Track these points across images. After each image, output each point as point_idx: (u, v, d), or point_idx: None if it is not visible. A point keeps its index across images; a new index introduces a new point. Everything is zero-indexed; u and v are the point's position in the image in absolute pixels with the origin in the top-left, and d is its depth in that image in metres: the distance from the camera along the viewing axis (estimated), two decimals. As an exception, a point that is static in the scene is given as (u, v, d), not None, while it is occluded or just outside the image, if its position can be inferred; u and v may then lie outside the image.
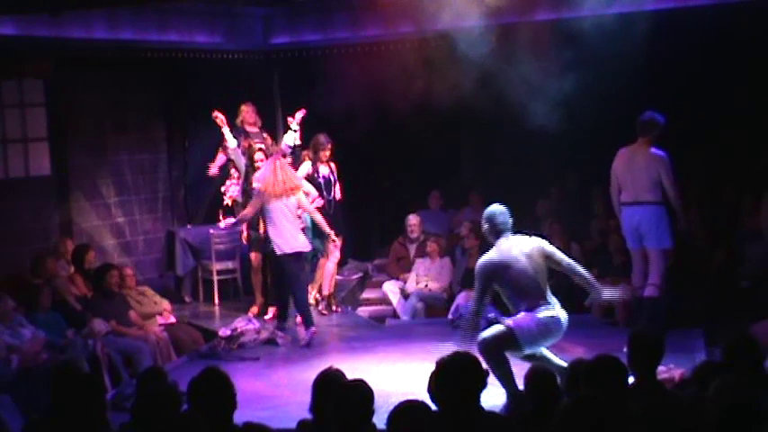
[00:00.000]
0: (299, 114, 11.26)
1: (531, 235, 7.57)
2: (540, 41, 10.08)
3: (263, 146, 11.26)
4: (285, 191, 10.19)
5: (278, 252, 10.20)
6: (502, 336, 7.21)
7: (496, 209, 7.52)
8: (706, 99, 11.32)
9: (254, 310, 11.23)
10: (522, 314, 7.27)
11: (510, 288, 7.32)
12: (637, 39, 9.55)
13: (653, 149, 9.34)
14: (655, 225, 9.32)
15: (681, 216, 9.37)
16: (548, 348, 7.48)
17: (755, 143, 11.35)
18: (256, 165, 10.99)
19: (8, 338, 8.75)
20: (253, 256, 11.40)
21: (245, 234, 11.34)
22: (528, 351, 7.31)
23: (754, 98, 11.20)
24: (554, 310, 7.31)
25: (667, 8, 10.22)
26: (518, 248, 7.35)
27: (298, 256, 10.33)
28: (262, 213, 10.37)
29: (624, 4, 10.29)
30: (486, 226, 7.55)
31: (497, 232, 7.44)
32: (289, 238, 10.21)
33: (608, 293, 7.71)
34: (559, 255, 7.47)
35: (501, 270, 7.29)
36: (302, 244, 10.35)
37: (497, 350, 7.15)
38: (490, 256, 7.38)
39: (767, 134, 11.30)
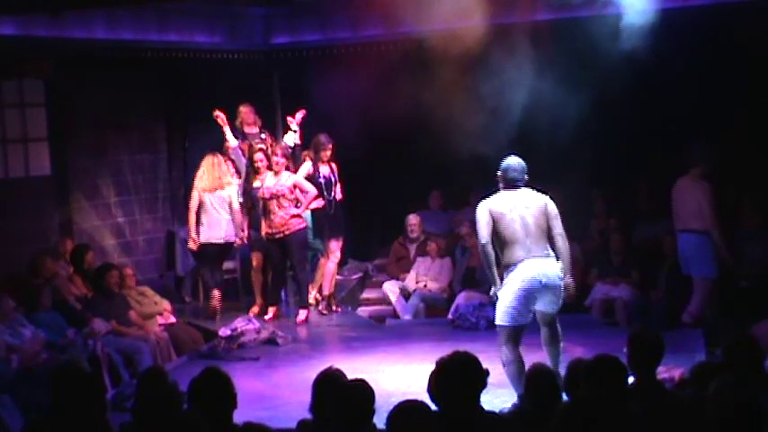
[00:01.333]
0: (299, 114, 11.30)
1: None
2: (539, 41, 10.07)
3: (263, 146, 11.28)
4: (220, 185, 11.26)
5: (201, 239, 11.32)
6: (502, 334, 7.49)
7: (512, 162, 7.71)
8: (706, 99, 11.30)
9: (255, 310, 11.22)
10: (497, 302, 7.56)
11: (497, 236, 7.53)
12: (639, 37, 9.54)
13: (699, 178, 9.68)
14: (696, 253, 9.65)
15: (719, 245, 9.61)
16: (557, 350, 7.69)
17: (756, 143, 11.34)
18: (256, 165, 11.04)
19: (8, 338, 8.74)
20: (254, 256, 11.41)
21: (245, 234, 11.35)
22: (533, 309, 7.51)
23: (755, 98, 11.18)
24: (522, 271, 7.43)
25: (667, 8, 10.21)
26: (518, 201, 7.59)
27: (218, 246, 11.36)
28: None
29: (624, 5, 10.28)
30: (499, 173, 7.74)
31: (506, 184, 7.69)
32: (212, 228, 11.25)
33: (568, 281, 7.65)
34: (555, 222, 7.61)
35: (491, 216, 7.53)
36: (224, 235, 11.29)
37: (513, 346, 7.44)
38: (488, 201, 7.63)
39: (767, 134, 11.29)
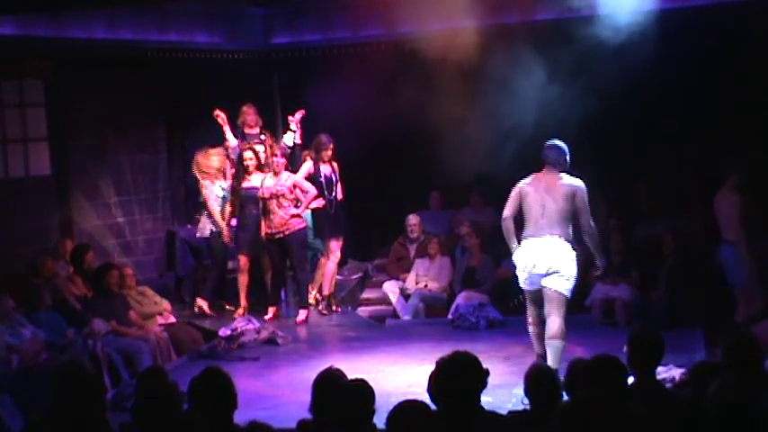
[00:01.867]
0: (298, 114, 11.31)
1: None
2: (539, 42, 10.07)
3: (254, 146, 11.27)
4: (201, 185, 11.33)
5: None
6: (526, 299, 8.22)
7: (550, 143, 8.18)
8: (706, 98, 11.30)
9: (240, 312, 11.08)
10: None
11: (521, 211, 8.08)
12: (638, 38, 9.55)
13: (734, 190, 9.68)
14: (734, 262, 9.58)
15: (745, 257, 9.46)
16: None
17: (755, 143, 11.33)
18: (245, 164, 11.06)
19: (8, 338, 8.74)
20: (240, 257, 11.32)
21: (226, 233, 11.27)
22: (538, 282, 7.96)
23: (754, 98, 11.18)
24: (523, 248, 7.98)
25: (666, 8, 10.21)
26: (546, 182, 8.00)
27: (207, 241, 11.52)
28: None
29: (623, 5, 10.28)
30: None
31: (542, 162, 8.11)
32: (204, 224, 11.44)
33: (600, 265, 8.25)
34: (583, 218, 8.02)
35: (519, 193, 8.09)
36: (207, 233, 11.40)
37: (533, 309, 8.13)
38: (525, 179, 8.13)
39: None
